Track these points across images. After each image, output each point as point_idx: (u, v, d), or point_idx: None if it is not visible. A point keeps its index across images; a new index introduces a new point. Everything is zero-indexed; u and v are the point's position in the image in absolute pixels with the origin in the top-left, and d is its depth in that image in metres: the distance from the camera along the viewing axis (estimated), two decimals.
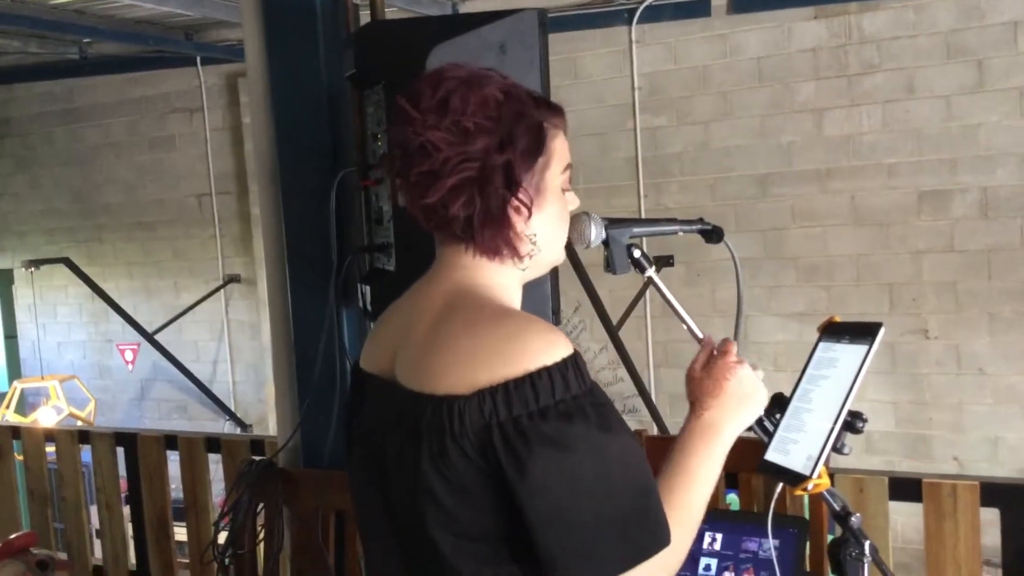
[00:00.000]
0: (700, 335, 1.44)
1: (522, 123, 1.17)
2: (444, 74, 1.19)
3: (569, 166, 1.25)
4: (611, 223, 1.44)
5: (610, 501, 1.06)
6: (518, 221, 1.19)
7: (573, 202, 1.29)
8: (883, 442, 5.42)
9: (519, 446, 1.05)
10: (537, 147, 1.19)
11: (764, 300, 5.66)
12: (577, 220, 1.42)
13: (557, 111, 1.25)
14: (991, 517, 2.07)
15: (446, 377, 1.10)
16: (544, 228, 1.22)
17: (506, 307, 1.20)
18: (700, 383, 1.30)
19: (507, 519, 1.08)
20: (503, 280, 1.23)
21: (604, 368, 6.28)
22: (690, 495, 1.20)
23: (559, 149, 1.23)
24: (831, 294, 5.66)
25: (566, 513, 1.05)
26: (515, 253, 1.20)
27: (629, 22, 5.92)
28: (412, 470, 1.12)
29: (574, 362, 1.09)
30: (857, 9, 5.43)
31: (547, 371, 1.07)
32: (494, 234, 1.18)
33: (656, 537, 1.09)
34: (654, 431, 4.94)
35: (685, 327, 1.49)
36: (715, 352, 1.34)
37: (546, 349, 1.08)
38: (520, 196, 1.18)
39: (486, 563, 1.11)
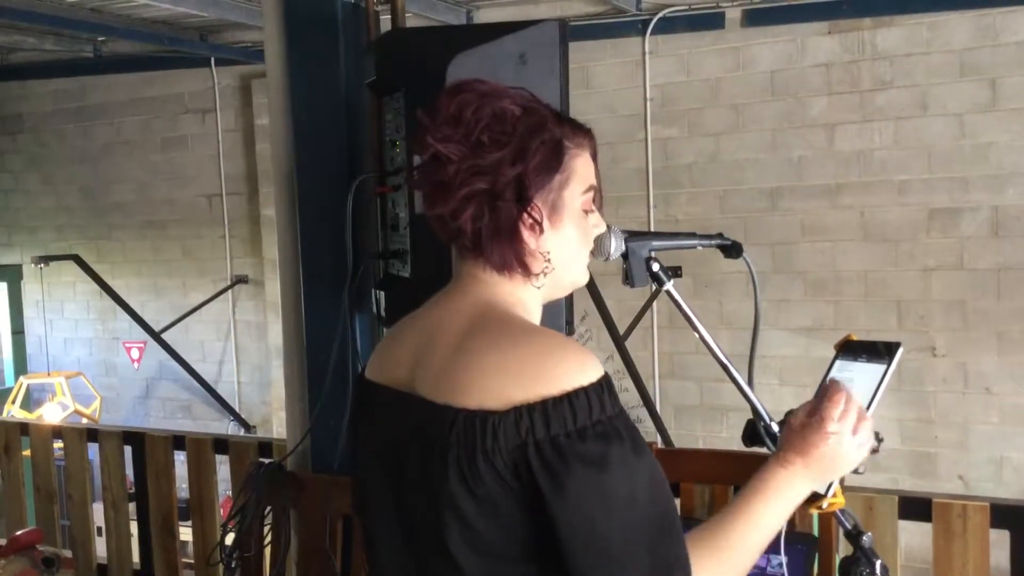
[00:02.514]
0: (719, 353, 1.43)
1: (538, 138, 1.16)
2: (464, 87, 1.19)
3: (592, 188, 1.24)
4: (631, 236, 1.44)
5: (641, 522, 1.06)
6: (530, 237, 1.18)
7: (599, 225, 1.28)
8: (888, 459, 5.40)
9: (557, 465, 1.04)
10: (553, 164, 1.18)
11: (772, 314, 5.66)
12: None
13: (583, 132, 1.24)
14: (998, 538, 2.07)
15: (477, 391, 1.09)
16: (560, 247, 1.21)
17: (534, 324, 1.19)
18: (794, 435, 1.25)
19: (533, 538, 1.08)
20: (523, 296, 1.22)
21: None
22: (746, 538, 1.18)
23: (580, 169, 1.22)
24: (839, 309, 5.66)
25: (599, 532, 1.04)
26: (526, 270, 1.19)
27: (643, 33, 5.93)
28: (436, 484, 1.10)
29: (607, 383, 1.09)
30: (871, 25, 5.44)
31: (584, 391, 1.06)
32: (503, 248, 1.17)
33: (680, 560, 1.09)
34: (659, 443, 4.93)
35: (699, 337, 1.49)
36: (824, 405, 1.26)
37: (581, 369, 1.08)
38: (531, 212, 1.17)
39: None
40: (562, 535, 1.05)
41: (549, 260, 1.20)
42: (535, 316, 1.24)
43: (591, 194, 1.24)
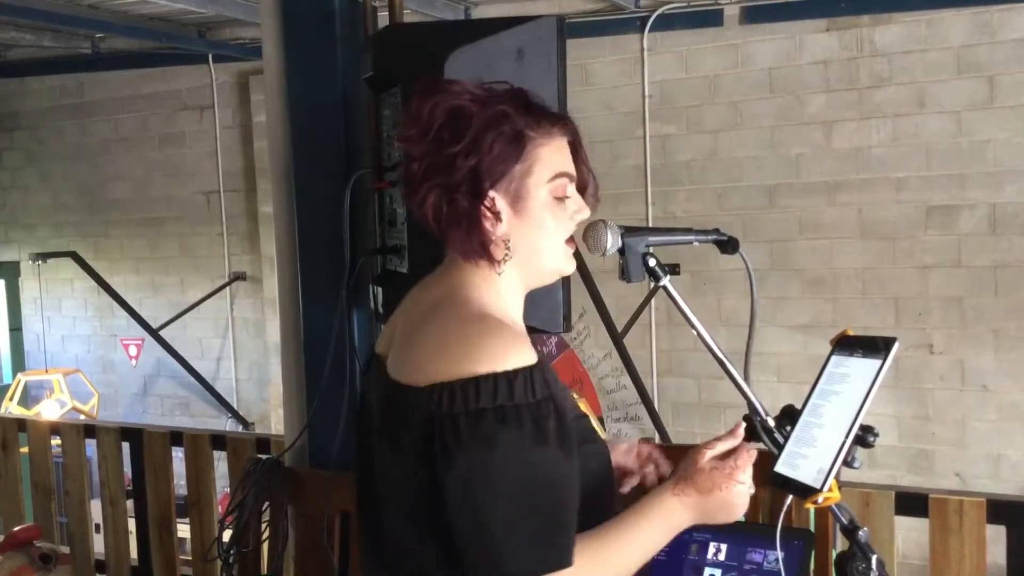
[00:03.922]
0: (715, 349, 1.43)
1: (493, 131, 1.21)
2: (427, 86, 1.26)
3: (562, 175, 1.27)
4: (627, 231, 1.44)
5: (526, 509, 1.11)
6: (488, 226, 1.23)
7: (581, 211, 1.30)
8: (885, 456, 5.41)
9: (450, 441, 1.11)
10: (512, 154, 1.22)
11: (769, 311, 5.66)
12: (593, 228, 1.43)
13: (553, 121, 1.27)
14: (994, 534, 2.07)
15: (412, 369, 1.19)
16: (526, 234, 1.25)
17: (482, 311, 1.23)
18: (698, 471, 1.29)
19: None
20: (495, 282, 1.27)
21: (607, 375, 6.28)
22: (625, 553, 1.22)
23: (546, 157, 1.25)
24: (836, 307, 5.66)
25: (481, 512, 1.10)
26: (488, 257, 1.24)
27: (641, 30, 5.93)
28: (382, 452, 1.22)
29: (528, 373, 1.14)
30: (869, 22, 5.44)
31: (494, 376, 1.12)
32: (463, 237, 1.23)
33: (562, 554, 1.13)
34: (656, 439, 4.93)
35: (696, 334, 1.49)
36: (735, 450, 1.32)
37: (499, 356, 1.14)
38: (486, 202, 1.22)
39: (433, 549, 1.17)
40: (448, 509, 1.12)
41: (509, 248, 1.25)
42: (509, 301, 1.28)
43: (561, 181, 1.27)
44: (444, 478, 1.11)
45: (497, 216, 1.23)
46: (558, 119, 1.28)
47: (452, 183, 1.21)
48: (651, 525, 1.25)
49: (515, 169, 1.23)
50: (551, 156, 1.26)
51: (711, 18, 5.76)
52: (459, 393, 1.12)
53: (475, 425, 1.11)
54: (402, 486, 1.18)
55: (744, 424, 1.36)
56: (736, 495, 1.28)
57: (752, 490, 1.31)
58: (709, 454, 1.31)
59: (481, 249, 1.24)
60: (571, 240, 1.31)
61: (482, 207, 1.22)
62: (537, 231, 1.26)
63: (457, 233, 1.23)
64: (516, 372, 1.13)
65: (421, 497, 1.15)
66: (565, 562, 1.13)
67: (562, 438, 1.15)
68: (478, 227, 1.23)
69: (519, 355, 1.15)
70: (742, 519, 1.43)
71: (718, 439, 1.33)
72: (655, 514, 1.25)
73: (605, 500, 1.30)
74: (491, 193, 1.22)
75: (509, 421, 1.11)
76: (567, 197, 1.28)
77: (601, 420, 6.10)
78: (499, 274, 1.26)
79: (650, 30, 5.90)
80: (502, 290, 1.27)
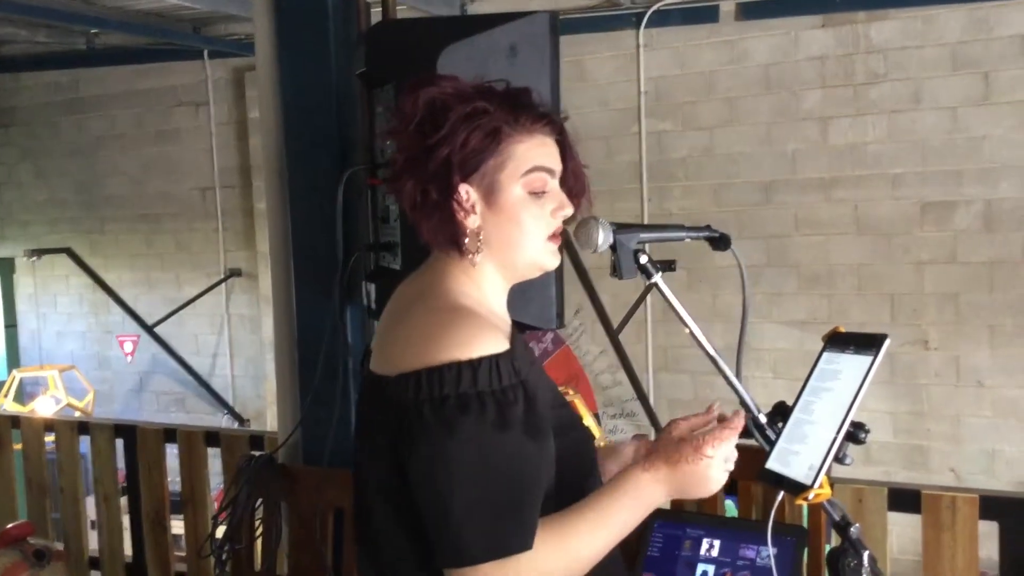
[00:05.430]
0: (706, 346, 1.44)
1: (468, 125, 1.23)
2: (414, 83, 1.28)
3: (538, 169, 1.27)
4: (619, 228, 1.44)
5: (486, 493, 1.13)
6: (460, 218, 1.25)
7: (564, 207, 1.31)
8: (880, 452, 5.42)
9: (415, 428, 1.15)
10: (485, 148, 1.24)
11: (765, 307, 5.67)
12: (584, 224, 1.43)
13: (537, 119, 1.28)
14: (987, 530, 2.07)
15: (386, 360, 1.23)
16: (499, 227, 1.27)
17: (455, 302, 1.25)
18: (668, 444, 1.30)
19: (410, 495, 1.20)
20: (476, 276, 1.29)
21: (603, 372, 6.28)
22: (595, 532, 1.22)
23: (522, 154, 1.26)
24: (832, 303, 5.66)
25: (442, 496, 1.13)
26: (459, 248, 1.27)
27: (637, 26, 5.92)
28: (361, 441, 1.28)
29: (494, 361, 1.17)
30: (865, 18, 5.44)
31: (458, 365, 1.15)
32: (433, 228, 1.26)
33: (523, 538, 1.15)
34: (652, 436, 4.93)
35: (687, 331, 1.49)
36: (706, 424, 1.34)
37: (464, 345, 1.17)
38: (456, 195, 1.24)
39: (408, 533, 1.21)
40: (414, 492, 1.16)
41: (481, 240, 1.27)
42: (489, 292, 1.30)
43: (538, 175, 1.28)
44: (409, 463, 1.16)
45: (470, 209, 1.25)
46: (541, 117, 1.29)
47: (426, 174, 1.24)
48: (621, 502, 1.24)
49: (488, 163, 1.25)
50: (528, 152, 1.27)
51: (707, 14, 5.76)
52: (424, 381, 1.15)
53: (438, 412, 1.14)
54: (378, 473, 1.22)
55: (718, 405, 1.37)
56: (705, 467, 1.26)
57: (731, 466, 1.30)
58: (682, 426, 1.34)
59: (450, 241, 1.26)
60: (556, 237, 1.31)
61: (453, 199, 1.24)
62: (510, 225, 1.27)
63: (428, 224, 1.27)
64: (480, 360, 1.16)
65: (393, 482, 1.19)
66: (525, 545, 1.14)
67: (529, 424, 1.17)
68: (449, 219, 1.25)
69: (485, 343, 1.17)
70: (734, 514, 1.42)
71: (695, 415, 1.35)
72: (625, 490, 1.25)
73: (583, 489, 1.30)
74: (463, 186, 1.24)
75: (471, 407, 1.14)
76: (544, 191, 1.28)
77: (597, 417, 6.10)
78: (473, 266, 1.28)
79: (646, 26, 5.89)
80: (481, 281, 1.30)
